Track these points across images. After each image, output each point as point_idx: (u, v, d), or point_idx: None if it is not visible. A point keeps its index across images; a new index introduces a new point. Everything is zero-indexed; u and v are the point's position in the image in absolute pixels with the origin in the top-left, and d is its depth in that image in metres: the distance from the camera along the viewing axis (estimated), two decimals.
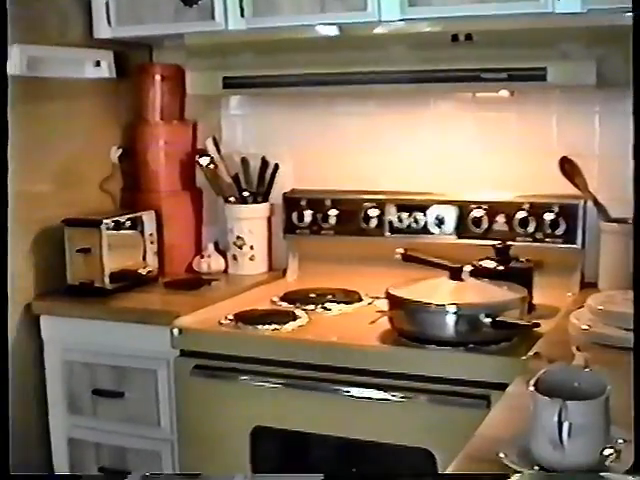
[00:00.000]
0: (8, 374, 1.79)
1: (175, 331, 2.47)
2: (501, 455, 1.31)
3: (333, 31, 2.64)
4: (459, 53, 2.45)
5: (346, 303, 2.70)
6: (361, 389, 2.28)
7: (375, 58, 2.58)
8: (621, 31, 2.34)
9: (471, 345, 2.21)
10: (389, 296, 2.34)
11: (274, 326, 2.44)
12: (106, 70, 3.00)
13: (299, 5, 2.62)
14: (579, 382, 1.34)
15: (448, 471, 1.35)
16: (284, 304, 2.71)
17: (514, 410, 1.61)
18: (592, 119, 2.78)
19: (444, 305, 2.24)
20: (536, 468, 1.30)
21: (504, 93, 2.80)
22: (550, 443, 1.25)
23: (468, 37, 2.40)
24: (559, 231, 2.73)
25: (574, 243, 2.72)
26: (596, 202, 2.72)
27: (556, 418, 1.22)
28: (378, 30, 2.57)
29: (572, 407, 1.23)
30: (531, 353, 2.08)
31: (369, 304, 2.68)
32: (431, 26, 2.51)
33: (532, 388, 1.31)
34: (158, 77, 3.10)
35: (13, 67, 2.59)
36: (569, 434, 1.24)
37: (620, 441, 1.33)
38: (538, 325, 2.14)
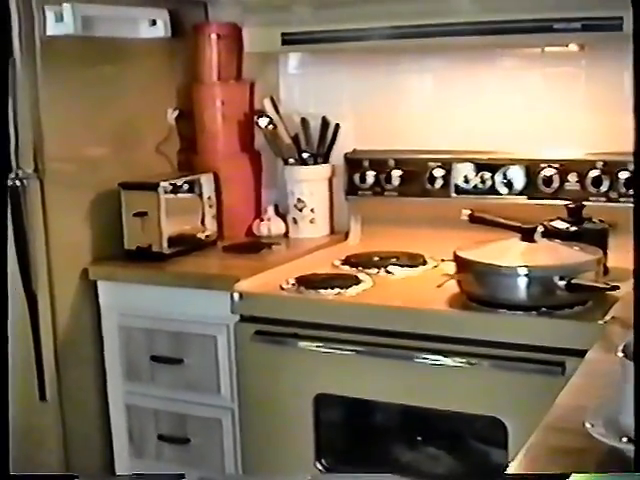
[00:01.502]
0: (8, 374, 1.74)
1: (235, 295, 2.39)
2: (587, 425, 1.21)
3: None
4: (528, 2, 2.33)
5: (410, 266, 2.61)
6: (429, 355, 2.18)
7: (437, 10, 2.47)
8: None
9: (544, 309, 2.10)
10: (457, 258, 2.24)
11: (337, 290, 2.36)
12: (162, 29, 2.91)
13: None
14: None
15: (528, 443, 1.25)
16: (346, 268, 2.62)
17: (596, 377, 1.51)
18: None
19: (515, 267, 2.13)
20: (624, 440, 1.19)
21: (573, 47, 2.68)
22: None
23: None
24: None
25: None
26: None
27: None
28: None
29: None
30: (608, 317, 1.97)
31: (434, 267, 2.59)
32: None
33: (621, 354, 1.21)
34: (214, 36, 3.01)
35: (65, 27, 2.52)
36: None
37: None
38: (617, 287, 2.02)
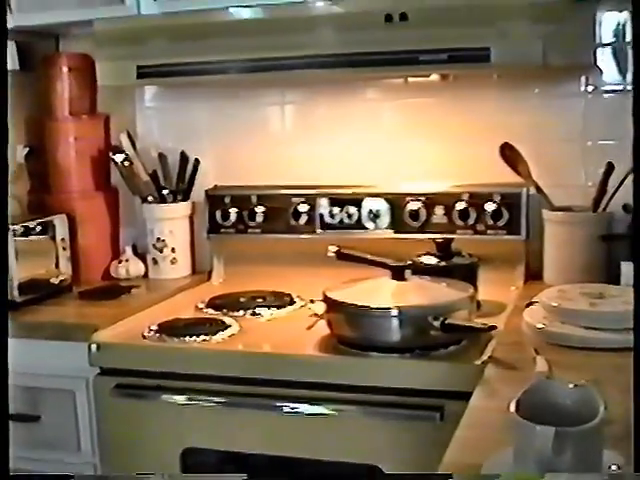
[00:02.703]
0: (8, 374, 1.64)
1: (93, 347, 2.25)
2: None
3: (251, 14, 2.43)
4: (392, 34, 2.27)
5: (278, 307, 2.51)
6: (300, 404, 2.07)
7: (302, 42, 2.37)
8: (568, 7, 2.23)
9: (418, 351, 2.03)
10: (326, 299, 2.15)
11: (202, 337, 2.23)
12: (9, 61, 2.75)
13: None
14: (564, 400, 1.18)
15: None
16: (211, 311, 2.51)
17: (483, 429, 1.44)
18: (532, 102, 2.65)
19: (387, 308, 2.05)
20: None
21: (435, 77, 2.65)
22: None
23: (403, 17, 2.22)
24: (501, 222, 2.59)
25: (518, 234, 2.58)
26: (539, 190, 2.58)
27: (549, 448, 1.04)
28: (304, 12, 2.38)
29: (565, 434, 1.06)
30: (485, 357, 1.92)
31: (302, 307, 2.50)
32: (361, 5, 2.33)
33: (514, 411, 1.14)
34: (65, 68, 2.86)
35: None
36: (562, 464, 1.07)
37: (613, 467, 1.16)
38: (494, 327, 1.97)
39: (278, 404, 2.09)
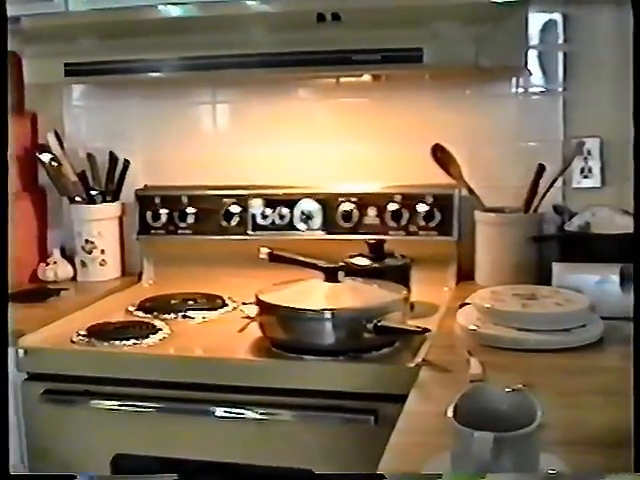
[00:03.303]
0: (8, 375, 1.64)
1: (20, 352, 2.19)
2: None
3: (181, 12, 2.39)
4: (325, 33, 2.26)
5: (209, 309, 2.48)
6: (233, 408, 2.04)
7: (231, 41, 2.35)
8: (499, 9, 2.24)
9: (351, 353, 2.01)
10: (259, 302, 2.12)
11: (132, 341, 2.19)
12: None
13: None
14: (501, 404, 1.17)
15: None
16: (141, 314, 2.46)
17: (418, 434, 1.43)
18: (464, 104, 2.65)
19: (320, 311, 2.03)
20: None
21: (367, 78, 2.65)
22: None
23: (336, 16, 2.21)
24: (433, 223, 2.59)
25: (450, 235, 2.59)
26: (471, 191, 2.59)
27: (488, 454, 1.04)
28: (236, 10, 2.35)
29: (503, 440, 1.05)
30: (419, 360, 1.91)
31: (234, 309, 2.47)
32: (293, 5, 2.31)
33: (451, 417, 1.13)
34: None
35: None
36: (499, 469, 1.06)
37: (551, 471, 1.16)
38: (428, 330, 1.96)
39: (211, 408, 2.06)
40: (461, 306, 2.18)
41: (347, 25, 2.22)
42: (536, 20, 2.55)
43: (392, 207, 2.61)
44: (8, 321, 1.76)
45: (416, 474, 1.18)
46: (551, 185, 2.49)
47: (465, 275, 2.61)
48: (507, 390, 1.19)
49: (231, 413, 2.05)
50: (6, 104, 1.86)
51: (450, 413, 1.13)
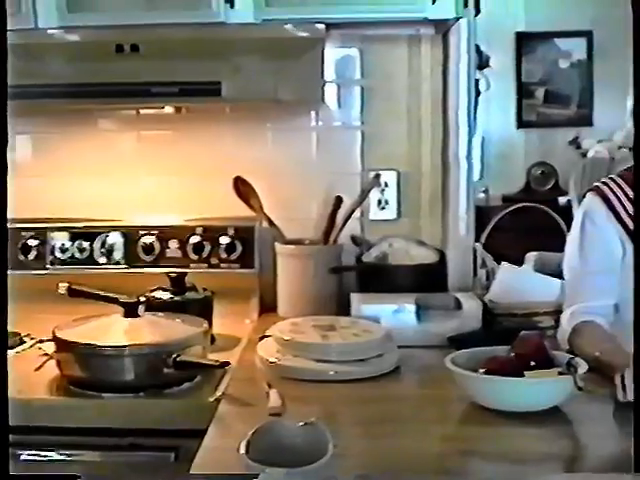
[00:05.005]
0: (7, 374, 1.54)
1: None
2: None
3: None
4: (125, 65, 2.23)
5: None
6: (34, 450, 1.95)
7: (31, 71, 2.29)
8: (297, 44, 2.27)
9: (152, 389, 1.98)
10: (55, 339, 2.06)
11: None
12: None
13: None
14: (295, 439, 1.18)
15: None
16: None
17: (215, 471, 1.41)
18: (265, 136, 2.68)
19: (119, 347, 1.98)
20: None
21: (169, 110, 2.64)
22: None
23: (134, 48, 2.19)
24: (235, 255, 2.60)
25: (251, 267, 2.60)
26: (271, 223, 2.61)
27: None
28: (35, 39, 2.29)
29: (295, 474, 1.06)
30: (218, 394, 1.90)
31: (32, 347, 2.39)
32: (92, 35, 2.27)
33: (243, 453, 1.13)
34: None
35: None
36: None
37: None
38: (228, 364, 1.95)
39: (17, 452, 1.95)
40: (261, 338, 2.18)
41: (146, 57, 2.21)
42: (334, 55, 2.61)
43: (194, 240, 2.60)
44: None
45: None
46: (349, 216, 2.54)
47: (268, 307, 2.61)
48: (300, 424, 1.20)
49: (38, 456, 1.96)
50: (6, 104, 1.75)
51: (243, 449, 1.13)
